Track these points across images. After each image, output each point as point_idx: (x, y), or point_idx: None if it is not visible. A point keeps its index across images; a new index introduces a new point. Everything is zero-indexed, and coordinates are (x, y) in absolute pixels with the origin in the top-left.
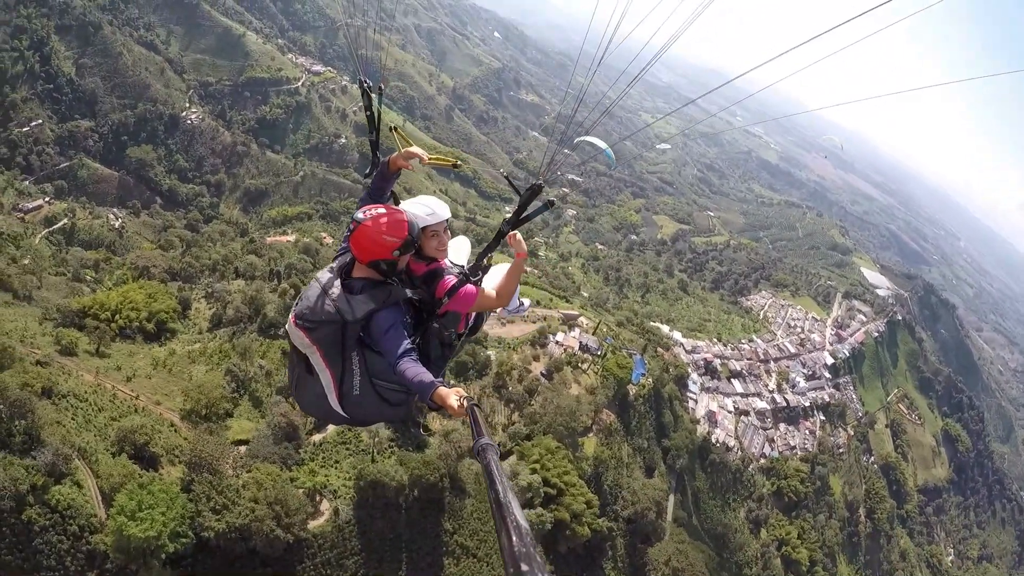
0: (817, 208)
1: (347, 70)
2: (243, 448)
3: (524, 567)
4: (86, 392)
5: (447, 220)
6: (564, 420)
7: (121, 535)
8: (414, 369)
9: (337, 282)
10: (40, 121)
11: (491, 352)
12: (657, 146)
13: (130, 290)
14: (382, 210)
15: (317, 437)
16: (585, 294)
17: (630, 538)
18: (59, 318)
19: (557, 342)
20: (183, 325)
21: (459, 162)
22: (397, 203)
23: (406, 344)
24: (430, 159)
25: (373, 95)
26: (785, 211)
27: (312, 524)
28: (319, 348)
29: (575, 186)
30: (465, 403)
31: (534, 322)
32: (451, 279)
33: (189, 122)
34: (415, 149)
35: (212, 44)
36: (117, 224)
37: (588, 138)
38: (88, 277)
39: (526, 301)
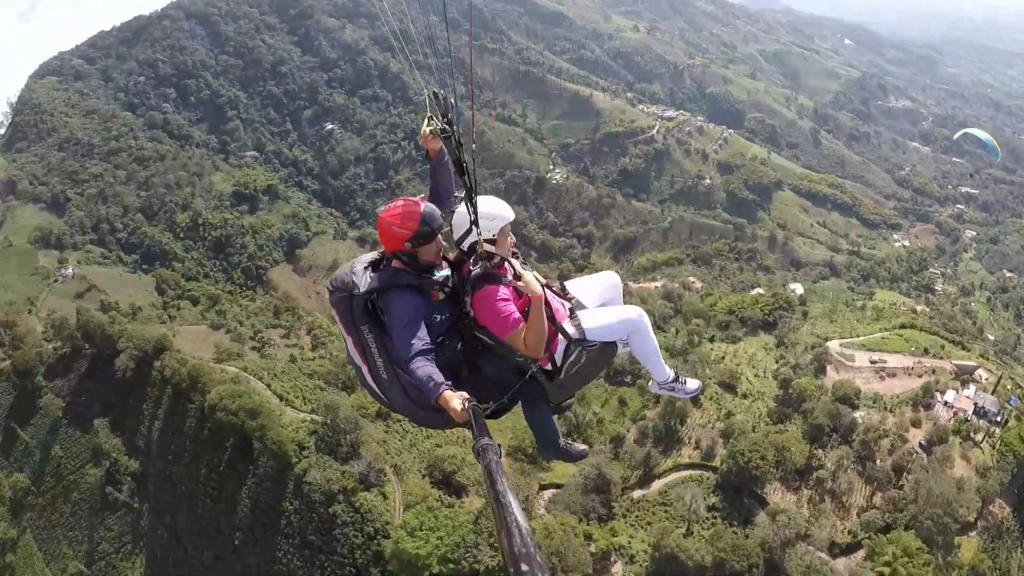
0: None
1: (700, 110)
2: (549, 492)
3: (524, 567)
4: None
5: (498, 224)
6: (937, 512)
7: (397, 547)
8: (425, 369)
9: (367, 258)
10: (424, 195)
11: (859, 413)
12: None
13: None
14: (400, 202)
15: (638, 493)
16: (991, 337)
17: None
18: None
19: (945, 403)
20: None
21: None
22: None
23: (420, 344)
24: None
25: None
26: None
27: None
28: (336, 313)
29: (970, 200)
30: (467, 405)
31: (919, 375)
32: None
33: (554, 182)
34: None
35: (564, 109)
36: None
37: (970, 130)
38: None
39: (692, 383)
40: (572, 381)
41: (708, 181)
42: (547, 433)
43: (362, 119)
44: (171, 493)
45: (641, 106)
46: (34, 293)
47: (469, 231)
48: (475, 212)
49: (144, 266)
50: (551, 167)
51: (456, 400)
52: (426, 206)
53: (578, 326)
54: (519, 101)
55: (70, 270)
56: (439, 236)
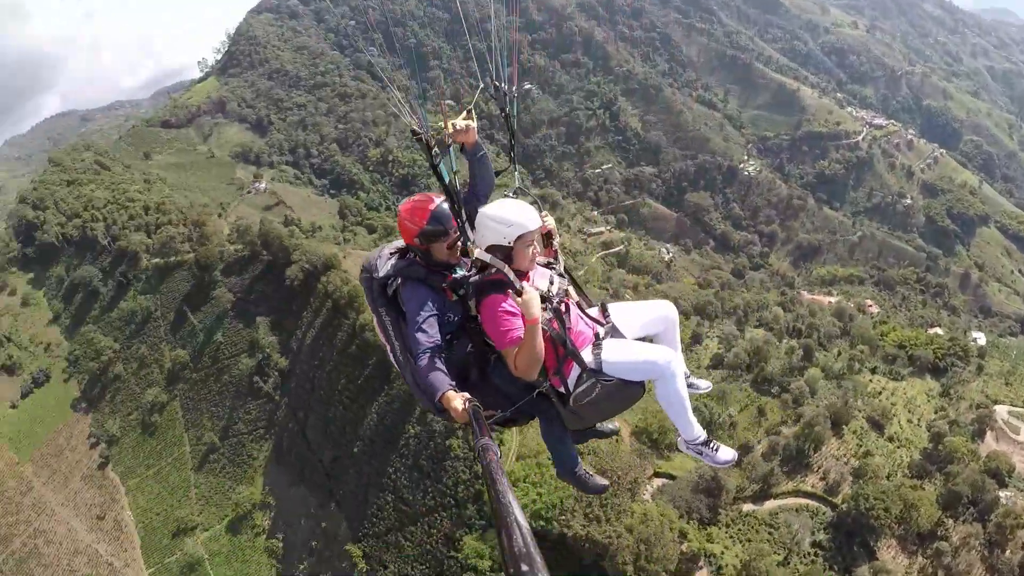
0: None
1: (913, 123)
2: (660, 481)
3: (524, 567)
4: None
5: (522, 232)
6: None
7: None
8: (431, 367)
9: (397, 245)
10: (610, 165)
11: (1006, 493)
12: None
13: None
14: (418, 197)
15: (748, 507)
16: None
17: None
18: None
19: None
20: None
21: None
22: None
23: (429, 342)
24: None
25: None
26: None
27: None
28: (365, 292)
29: None
30: (468, 406)
31: None
32: (491, 283)
33: (746, 174)
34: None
35: (768, 100)
36: (667, 257)
37: None
38: (627, 296)
39: (726, 453)
40: (586, 411)
41: (908, 201)
42: (562, 457)
43: (561, 83)
44: (309, 394)
45: (850, 108)
46: (227, 200)
47: (494, 236)
48: (460, 210)
49: (332, 191)
50: (745, 157)
51: (457, 400)
52: (439, 204)
53: (598, 356)
54: (722, 85)
55: (263, 184)
56: (452, 235)
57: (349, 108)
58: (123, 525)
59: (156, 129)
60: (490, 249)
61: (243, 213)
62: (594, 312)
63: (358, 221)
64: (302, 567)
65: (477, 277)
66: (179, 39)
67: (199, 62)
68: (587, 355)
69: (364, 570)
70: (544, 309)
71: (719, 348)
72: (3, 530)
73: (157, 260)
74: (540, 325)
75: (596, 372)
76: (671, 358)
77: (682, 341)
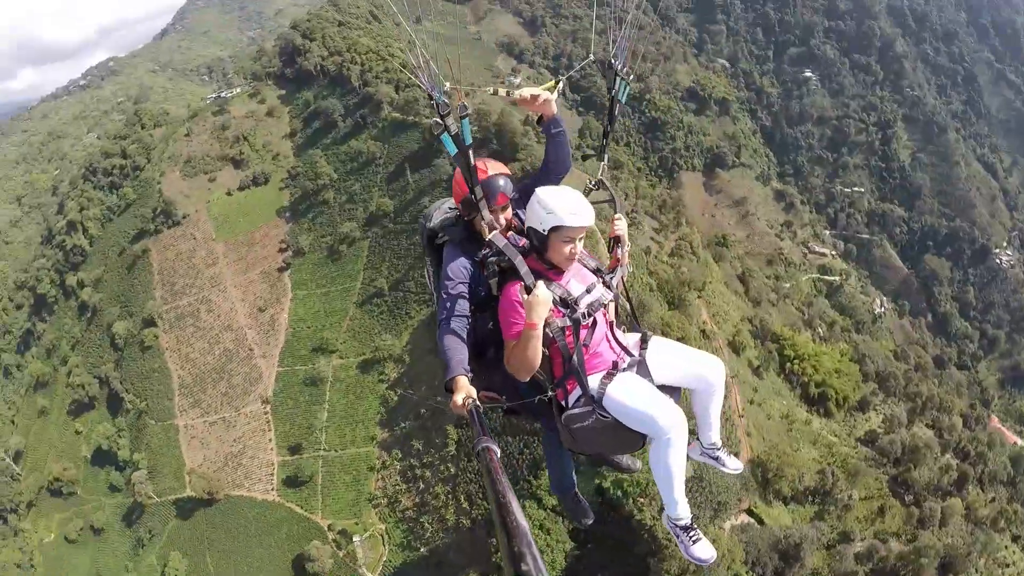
0: None
1: None
2: (747, 519)
3: (524, 567)
4: None
5: (572, 227)
6: None
7: None
8: (450, 341)
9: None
10: (861, 190)
11: None
12: None
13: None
14: (477, 162)
15: None
16: None
17: None
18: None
19: None
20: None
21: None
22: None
23: (455, 310)
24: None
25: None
26: None
27: None
28: (420, 235)
29: None
30: (468, 404)
31: None
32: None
33: (997, 262)
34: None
35: None
36: (878, 310)
37: None
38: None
39: (705, 550)
40: (578, 437)
41: None
42: (557, 472)
43: (842, 83)
44: None
45: None
46: (478, 83)
47: (534, 219)
48: (473, 185)
49: (580, 108)
50: (1004, 244)
51: (460, 394)
52: (493, 176)
53: (604, 386)
54: (1012, 153)
55: (517, 79)
56: (486, 211)
57: (622, 34)
58: (276, 323)
59: None
60: (529, 231)
61: (488, 99)
62: (630, 339)
63: (594, 145)
64: (403, 425)
65: (494, 259)
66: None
67: None
68: (594, 381)
69: (452, 452)
70: (563, 315)
71: (880, 427)
72: (179, 286)
73: (396, 114)
74: (538, 331)
75: (595, 402)
76: (675, 423)
77: (848, 400)
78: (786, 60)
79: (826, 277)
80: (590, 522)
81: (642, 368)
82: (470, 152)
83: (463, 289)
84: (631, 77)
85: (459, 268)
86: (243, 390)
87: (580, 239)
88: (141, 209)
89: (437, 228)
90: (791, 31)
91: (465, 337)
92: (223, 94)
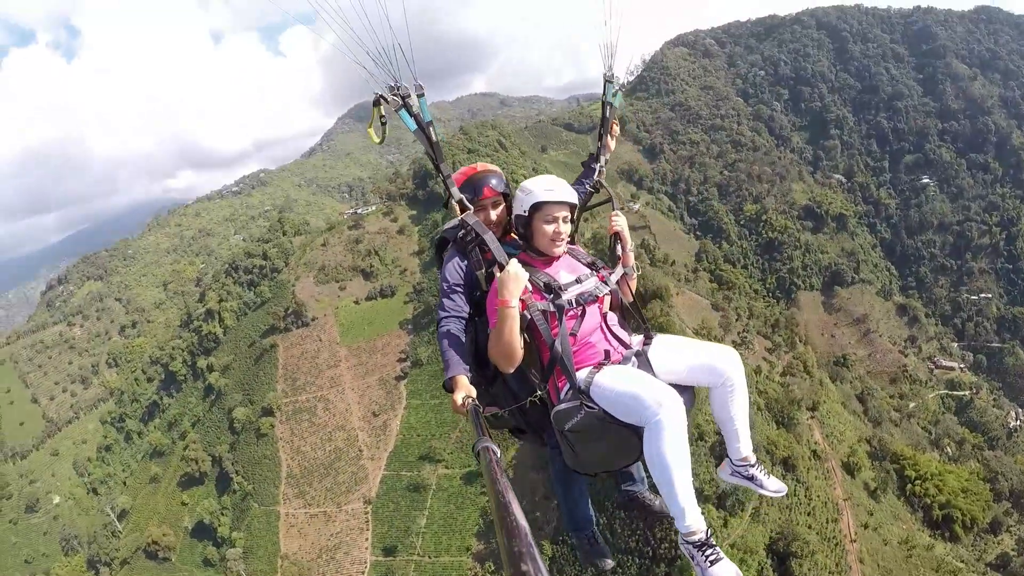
0: None
1: None
2: None
3: (524, 567)
4: None
5: (542, 202)
6: None
7: None
8: (450, 338)
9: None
10: (989, 296)
11: None
12: None
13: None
14: (478, 163)
15: None
16: None
17: None
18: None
19: None
20: None
21: None
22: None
23: (454, 309)
24: None
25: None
26: None
27: None
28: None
29: None
30: (468, 404)
31: None
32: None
33: None
34: None
35: None
36: (1013, 423)
37: None
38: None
39: (726, 569)
40: (574, 442)
41: None
42: (570, 505)
43: (961, 185)
44: None
45: None
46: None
47: (517, 207)
48: (437, 164)
49: (697, 232)
50: None
51: (460, 394)
52: (481, 173)
53: (592, 375)
54: None
55: (636, 206)
56: (487, 208)
57: (739, 157)
58: (388, 428)
59: (559, 128)
60: (516, 222)
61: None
62: (633, 337)
63: (710, 268)
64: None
65: (470, 239)
66: (600, 57)
67: None
68: (582, 373)
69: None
70: (545, 300)
71: (1013, 549)
72: (300, 382)
73: None
74: (512, 310)
75: (583, 393)
76: (664, 399)
77: (977, 522)
78: (902, 168)
79: (955, 392)
80: (609, 565)
81: (643, 362)
82: (430, 128)
83: (459, 288)
84: (619, 81)
85: (454, 268)
86: (347, 488)
87: (565, 220)
88: (274, 307)
89: (445, 233)
90: (905, 138)
91: (463, 335)
92: (359, 211)
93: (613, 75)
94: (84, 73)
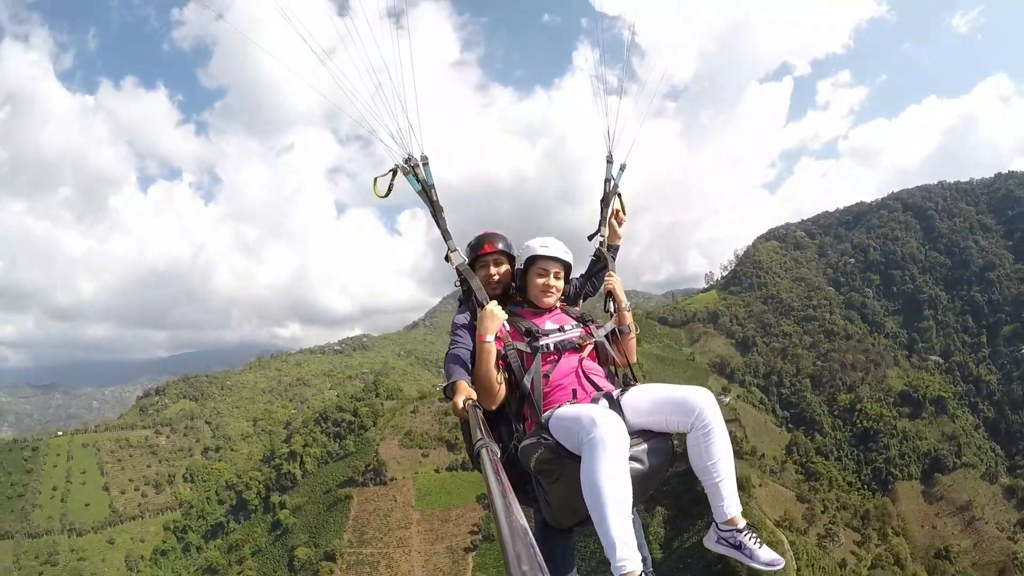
0: None
1: None
2: None
3: (524, 567)
4: None
5: (543, 256)
6: None
7: None
8: (455, 358)
9: None
10: None
11: None
12: None
13: None
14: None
15: None
16: None
17: None
18: None
19: None
20: None
21: None
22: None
23: (463, 344)
24: None
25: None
26: None
27: None
28: None
29: None
30: (468, 404)
31: None
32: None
33: None
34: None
35: None
36: None
37: None
38: None
39: (767, 556)
40: (546, 485)
41: None
42: (554, 570)
43: None
44: None
45: None
46: None
47: (518, 262)
48: (436, 213)
49: (791, 424)
50: None
51: (460, 396)
52: (484, 234)
53: (552, 411)
54: None
55: (727, 399)
56: (488, 266)
57: (831, 347)
58: None
59: (653, 322)
60: (516, 275)
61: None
62: (609, 385)
63: (800, 461)
64: None
65: (463, 284)
66: (696, 253)
67: (706, 275)
68: (549, 411)
69: None
70: (524, 341)
71: None
72: (368, 535)
73: None
74: (488, 345)
75: (543, 428)
76: (601, 421)
77: None
78: (1000, 341)
79: None
80: None
81: (613, 406)
82: (432, 190)
83: (464, 329)
84: (621, 163)
85: (460, 313)
86: None
87: (556, 275)
88: (356, 461)
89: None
90: (1001, 309)
91: (467, 361)
92: None
93: (612, 155)
94: (218, 216)
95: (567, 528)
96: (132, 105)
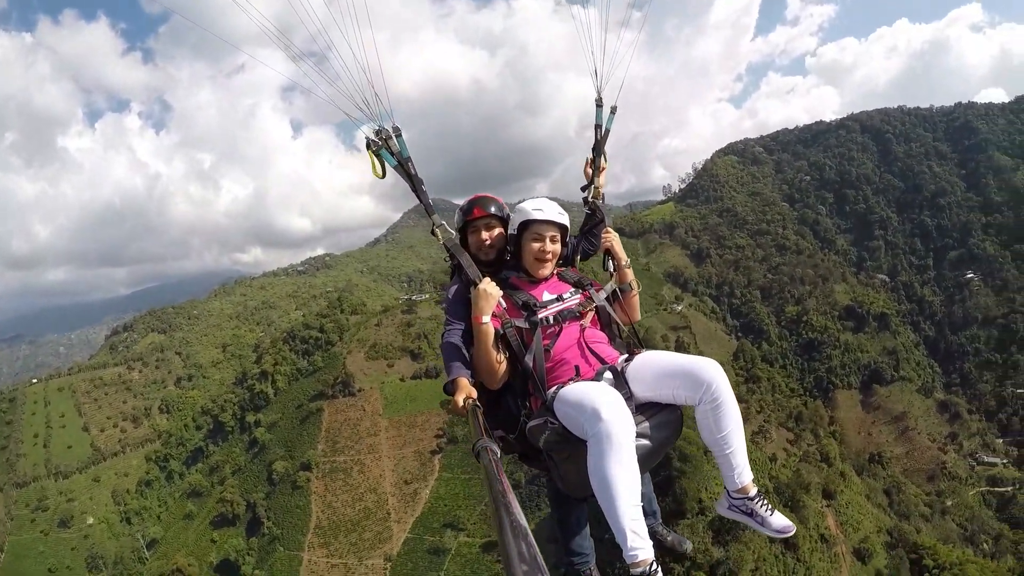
0: None
1: None
2: None
3: (524, 568)
4: None
5: (537, 220)
6: None
7: None
8: (452, 347)
9: None
10: None
11: None
12: None
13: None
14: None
15: None
16: None
17: None
18: None
19: None
20: None
21: None
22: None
23: (458, 323)
24: None
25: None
26: None
27: None
28: None
29: None
30: (468, 404)
31: None
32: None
33: None
34: None
35: None
36: None
37: None
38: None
39: (779, 523)
40: (557, 461)
41: None
42: (567, 535)
43: (1005, 278)
44: None
45: None
46: (646, 312)
47: (511, 227)
48: (416, 188)
49: (739, 333)
50: None
51: (461, 395)
52: (476, 198)
53: (557, 390)
54: None
55: (680, 307)
56: (479, 228)
57: (783, 260)
58: (417, 496)
59: None
60: (509, 240)
61: (651, 324)
62: (616, 354)
63: (747, 368)
64: None
65: (450, 259)
66: (658, 165)
67: (664, 187)
68: (554, 389)
69: None
70: (522, 317)
71: None
72: (340, 444)
73: None
74: (485, 326)
75: (548, 409)
76: (605, 412)
77: None
78: (946, 265)
79: (996, 489)
80: None
81: (618, 379)
82: (409, 163)
83: (459, 307)
84: (612, 106)
85: (452, 288)
86: (371, 544)
87: (553, 240)
88: (325, 376)
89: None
90: (949, 234)
91: (465, 347)
92: (414, 297)
93: (602, 99)
94: (171, 145)
95: (581, 498)
96: (73, 39)
